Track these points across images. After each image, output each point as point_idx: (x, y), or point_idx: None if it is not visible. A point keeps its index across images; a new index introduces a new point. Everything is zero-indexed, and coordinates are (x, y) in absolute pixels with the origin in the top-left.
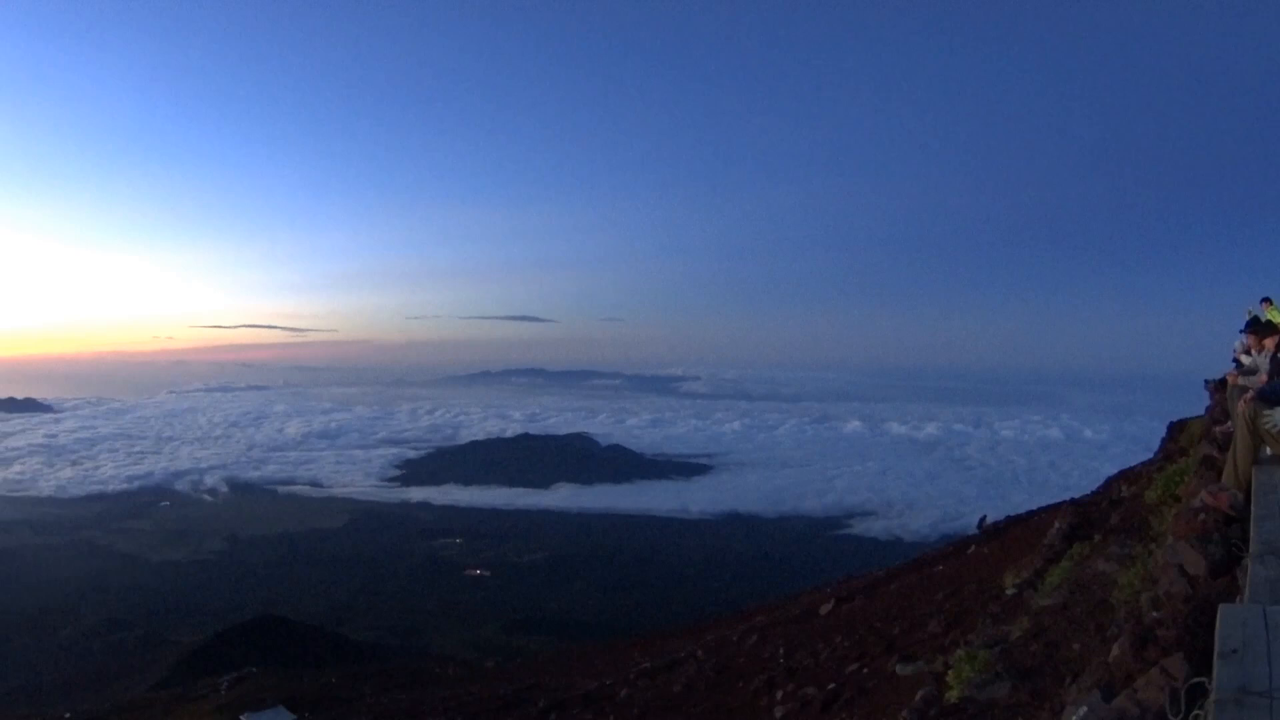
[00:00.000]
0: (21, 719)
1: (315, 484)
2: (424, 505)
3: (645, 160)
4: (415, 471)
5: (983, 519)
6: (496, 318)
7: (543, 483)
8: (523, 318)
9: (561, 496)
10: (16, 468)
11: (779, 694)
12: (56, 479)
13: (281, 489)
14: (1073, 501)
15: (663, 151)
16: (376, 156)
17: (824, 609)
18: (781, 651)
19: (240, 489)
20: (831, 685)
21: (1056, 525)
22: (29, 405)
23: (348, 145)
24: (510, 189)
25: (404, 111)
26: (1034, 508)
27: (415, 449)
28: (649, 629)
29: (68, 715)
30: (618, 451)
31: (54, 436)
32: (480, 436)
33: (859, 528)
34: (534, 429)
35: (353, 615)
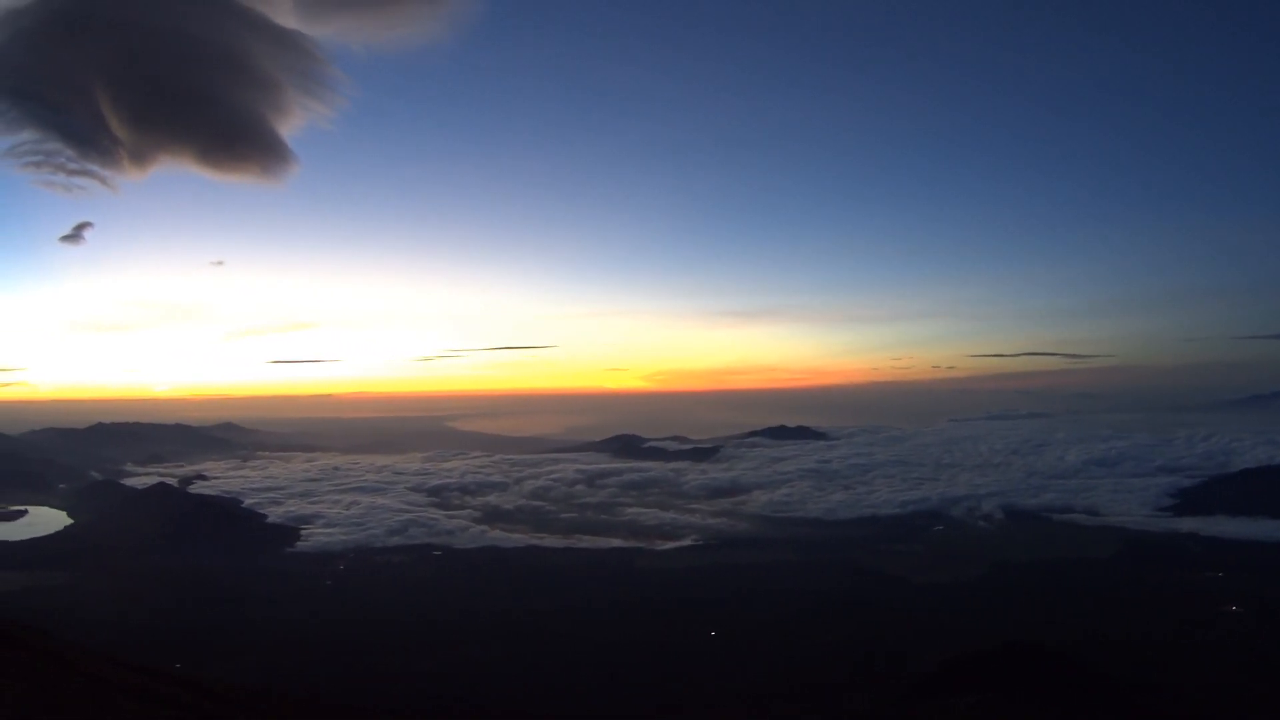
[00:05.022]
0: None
1: (1091, 512)
2: (1191, 536)
3: None
4: (1188, 501)
5: None
6: (1266, 336)
7: None
8: None
9: None
10: (784, 490)
11: None
12: (825, 502)
13: (1057, 516)
14: None
15: None
16: (1147, 174)
17: None
18: None
19: (1015, 516)
20: None
21: None
22: (801, 433)
23: (1104, 162)
24: None
25: (1176, 127)
26: None
27: (1189, 477)
28: None
29: None
30: None
31: (826, 462)
32: (1251, 464)
33: None
34: None
35: (1093, 649)
